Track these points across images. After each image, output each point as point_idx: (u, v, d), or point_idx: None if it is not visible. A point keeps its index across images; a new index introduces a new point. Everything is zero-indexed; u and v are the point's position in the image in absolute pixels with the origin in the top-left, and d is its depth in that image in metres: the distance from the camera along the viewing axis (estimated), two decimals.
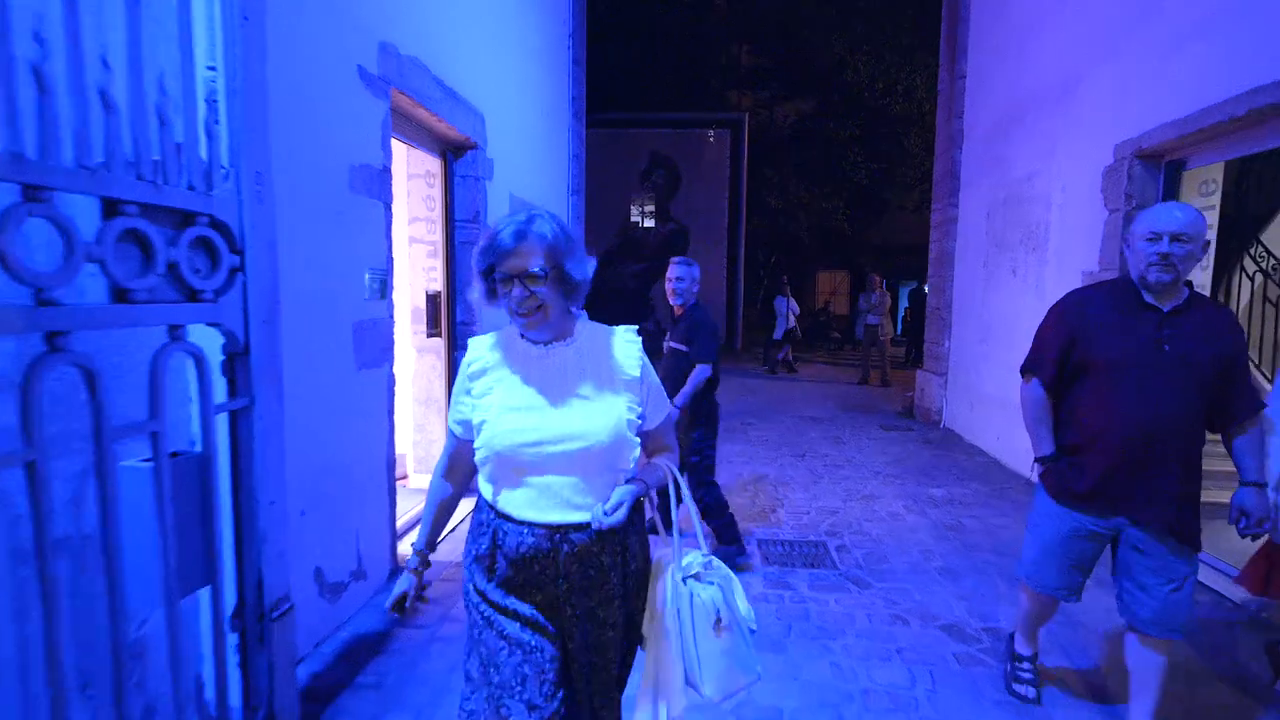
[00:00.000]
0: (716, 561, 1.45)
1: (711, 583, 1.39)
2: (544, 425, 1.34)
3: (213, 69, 1.69)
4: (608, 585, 1.39)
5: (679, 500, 1.45)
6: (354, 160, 2.79)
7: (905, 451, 6.09)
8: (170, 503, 1.49)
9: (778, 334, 11.88)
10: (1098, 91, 4.48)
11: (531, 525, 1.36)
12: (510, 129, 4.99)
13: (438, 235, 4.24)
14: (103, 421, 1.34)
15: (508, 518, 1.37)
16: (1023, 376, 2.26)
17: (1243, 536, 2.04)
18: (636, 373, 1.42)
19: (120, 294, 1.40)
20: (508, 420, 1.35)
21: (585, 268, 1.40)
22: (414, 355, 4.32)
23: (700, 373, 3.30)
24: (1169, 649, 2.06)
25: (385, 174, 3.06)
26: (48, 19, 1.21)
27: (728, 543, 3.45)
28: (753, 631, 1.43)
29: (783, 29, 16.35)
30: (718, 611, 1.35)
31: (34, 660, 1.54)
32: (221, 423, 1.74)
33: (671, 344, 3.47)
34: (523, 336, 1.42)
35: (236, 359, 1.78)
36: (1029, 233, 5.36)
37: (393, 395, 3.21)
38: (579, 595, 1.38)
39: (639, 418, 1.42)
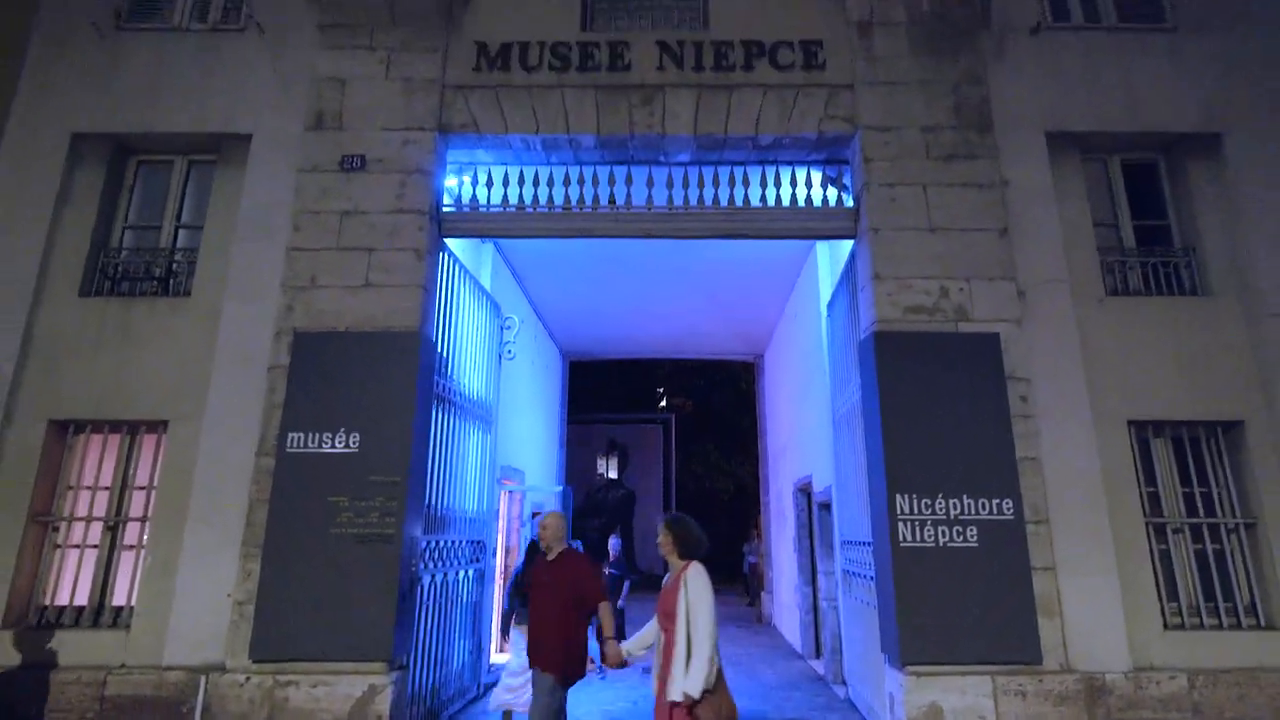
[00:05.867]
0: None
1: None
2: None
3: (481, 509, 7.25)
4: None
5: None
6: (495, 509, 8.24)
7: (740, 634, 11.02)
8: (471, 602, 6.72)
9: (744, 570, 17.12)
10: (788, 459, 10.42)
11: None
12: (534, 469, 10.66)
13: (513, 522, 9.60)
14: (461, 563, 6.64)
15: None
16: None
17: (606, 666, 3.93)
18: None
19: (470, 559, 6.75)
20: None
21: None
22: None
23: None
24: None
25: (497, 511, 8.52)
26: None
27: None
28: None
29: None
30: None
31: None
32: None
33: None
34: None
35: (484, 572, 7.07)
36: (783, 515, 10.96)
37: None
38: None
39: None
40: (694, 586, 3.41)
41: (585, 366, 20.42)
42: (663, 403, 25.18)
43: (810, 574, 9.26)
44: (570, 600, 4.19)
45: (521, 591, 4.91)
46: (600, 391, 23.06)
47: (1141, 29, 6.13)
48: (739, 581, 17.56)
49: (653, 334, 12.25)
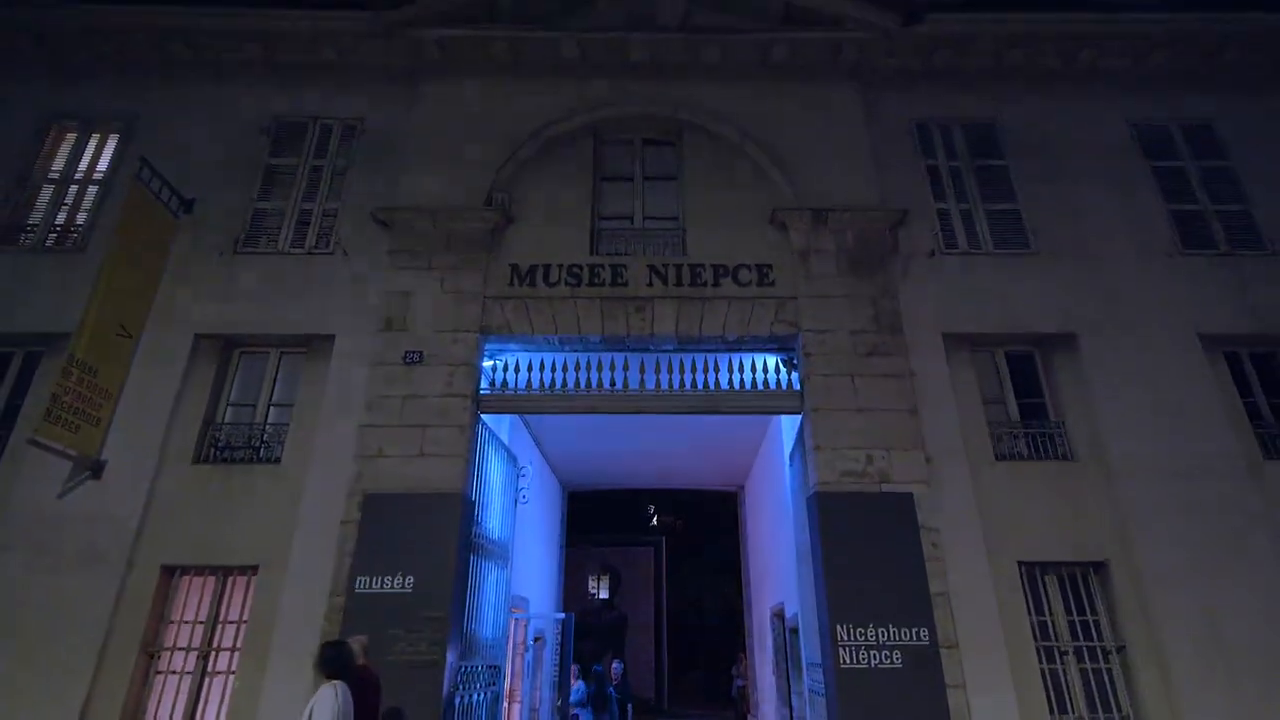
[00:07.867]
0: None
1: None
2: None
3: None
4: None
5: None
6: (506, 636, 9.34)
7: None
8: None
9: (732, 693, 17.48)
10: (766, 585, 11.60)
11: None
12: (536, 596, 11.76)
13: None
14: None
15: None
16: None
17: None
18: None
19: (488, 683, 7.86)
20: None
21: None
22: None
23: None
24: None
25: (508, 637, 9.61)
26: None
27: None
28: None
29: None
30: None
31: None
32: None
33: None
34: None
35: (499, 694, 8.13)
36: (764, 639, 11.99)
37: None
38: None
39: None
40: (318, 704, 4.40)
41: (582, 492, 21.66)
42: (654, 521, 26.16)
43: (787, 695, 10.25)
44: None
45: None
46: (594, 514, 24.09)
47: (1013, 253, 8.12)
48: (728, 706, 17.98)
49: (644, 468, 13.72)
